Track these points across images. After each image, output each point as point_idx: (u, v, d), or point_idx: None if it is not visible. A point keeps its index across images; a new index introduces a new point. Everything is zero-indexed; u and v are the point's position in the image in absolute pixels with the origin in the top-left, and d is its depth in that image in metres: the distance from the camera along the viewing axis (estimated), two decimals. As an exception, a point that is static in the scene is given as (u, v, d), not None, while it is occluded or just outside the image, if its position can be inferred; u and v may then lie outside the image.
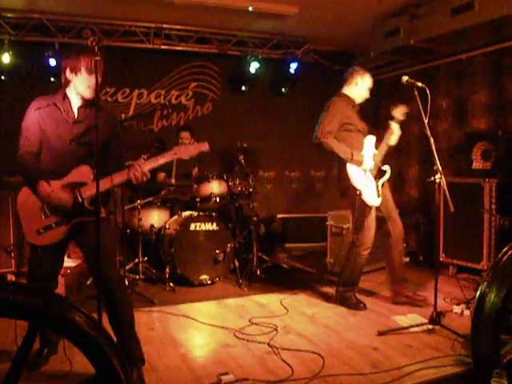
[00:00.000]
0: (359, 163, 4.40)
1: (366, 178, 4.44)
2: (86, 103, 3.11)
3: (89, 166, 3.04)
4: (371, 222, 4.47)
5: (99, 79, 2.89)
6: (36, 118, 3.08)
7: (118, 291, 3.15)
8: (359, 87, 4.65)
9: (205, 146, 3.22)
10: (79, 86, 3.05)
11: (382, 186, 4.51)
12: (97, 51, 2.78)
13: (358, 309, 4.51)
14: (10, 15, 5.78)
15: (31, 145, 3.11)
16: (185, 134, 6.09)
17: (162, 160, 3.12)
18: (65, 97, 3.11)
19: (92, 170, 3.02)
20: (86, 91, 3.05)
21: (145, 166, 3.05)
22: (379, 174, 4.52)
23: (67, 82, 3.08)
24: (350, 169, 4.38)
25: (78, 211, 3.00)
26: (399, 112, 4.46)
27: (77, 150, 3.07)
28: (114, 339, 2.97)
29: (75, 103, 3.12)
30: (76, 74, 3.03)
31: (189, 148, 3.18)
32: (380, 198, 4.45)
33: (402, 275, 4.66)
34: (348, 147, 4.39)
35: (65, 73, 3.07)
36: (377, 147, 4.51)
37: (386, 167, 4.51)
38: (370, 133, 4.57)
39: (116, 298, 3.12)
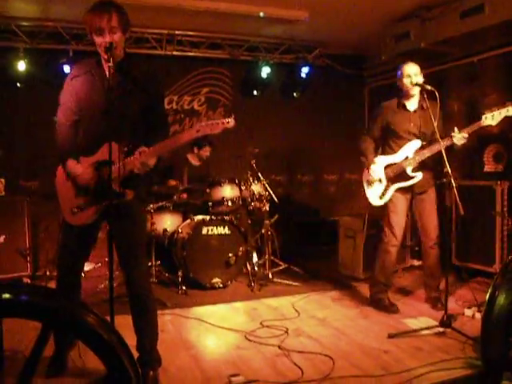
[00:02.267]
0: (366, 167, 4.59)
1: (377, 178, 4.54)
2: (120, 67, 2.94)
3: (116, 144, 2.85)
4: (394, 218, 4.53)
5: (116, 37, 2.82)
6: (72, 85, 3.02)
7: (144, 290, 3.15)
8: (399, 83, 4.50)
9: (229, 123, 2.91)
10: (100, 51, 2.92)
11: (406, 192, 4.50)
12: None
13: (391, 312, 4.52)
14: (24, 23, 5.89)
15: (65, 112, 3.05)
16: (207, 149, 6.17)
17: (184, 138, 2.91)
18: (99, 62, 3.00)
19: (120, 147, 2.90)
20: (102, 53, 2.89)
21: (152, 152, 2.90)
22: (401, 177, 4.45)
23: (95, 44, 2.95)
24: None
25: (107, 193, 2.82)
26: (458, 138, 4.17)
27: (107, 123, 2.82)
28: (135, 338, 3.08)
29: (108, 68, 2.90)
30: (92, 36, 2.91)
31: (212, 123, 2.89)
32: (382, 201, 4.54)
33: (434, 285, 4.65)
34: (370, 151, 4.59)
35: (89, 36, 2.96)
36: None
37: (417, 174, 4.40)
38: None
39: (141, 296, 3.13)
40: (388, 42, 6.04)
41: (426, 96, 4.13)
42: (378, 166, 4.54)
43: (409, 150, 4.43)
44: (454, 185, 3.79)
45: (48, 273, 5.66)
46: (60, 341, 3.18)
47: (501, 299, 2.90)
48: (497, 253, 5.18)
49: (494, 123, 4.05)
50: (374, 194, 4.60)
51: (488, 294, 2.95)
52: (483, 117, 4.06)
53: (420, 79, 4.30)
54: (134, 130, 3.02)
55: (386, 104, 4.63)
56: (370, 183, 4.63)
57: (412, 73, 4.32)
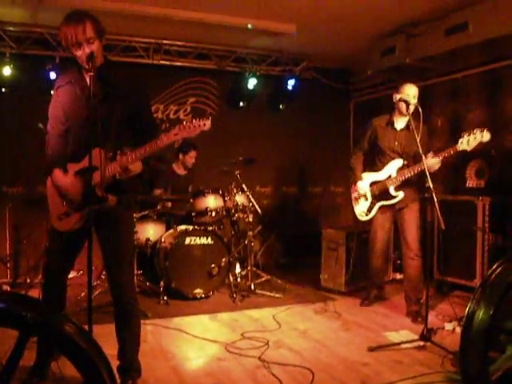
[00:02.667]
0: (354, 183, 4.87)
1: (362, 194, 4.80)
2: (101, 73, 2.93)
3: (101, 149, 2.83)
4: (375, 227, 4.87)
5: (94, 47, 2.83)
6: (57, 96, 3.06)
7: (129, 299, 3.13)
8: (395, 104, 4.62)
9: (206, 124, 2.99)
10: (81, 63, 2.93)
11: (389, 207, 4.71)
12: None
13: (362, 304, 5.13)
14: (11, 29, 5.85)
15: (53, 124, 3.08)
16: (193, 154, 6.16)
17: (163, 142, 2.90)
18: (80, 70, 3.01)
19: (104, 152, 2.87)
20: (82, 63, 2.91)
21: (133, 156, 2.89)
22: (385, 195, 4.67)
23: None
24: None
25: (91, 199, 2.84)
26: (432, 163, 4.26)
27: (92, 129, 2.82)
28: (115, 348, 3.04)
29: (88, 75, 2.93)
30: (70, 49, 2.92)
31: (190, 126, 2.93)
32: (368, 217, 4.80)
33: (415, 297, 4.70)
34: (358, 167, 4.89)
35: (66, 48, 2.97)
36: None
37: (398, 193, 4.60)
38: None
39: (126, 305, 3.11)
40: (374, 57, 6.10)
41: (409, 111, 4.19)
42: (364, 183, 4.80)
43: (392, 169, 4.64)
44: (435, 199, 3.83)
45: (28, 280, 5.60)
46: (42, 350, 3.15)
47: (480, 313, 2.92)
48: (477, 267, 5.23)
49: (468, 148, 4.14)
50: (361, 210, 4.86)
51: (467, 308, 2.97)
52: (459, 141, 4.15)
53: (415, 101, 4.39)
54: (118, 135, 3.01)
55: (376, 120, 4.82)
56: (356, 199, 4.89)
57: (411, 94, 4.41)
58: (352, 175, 4.92)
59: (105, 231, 3.02)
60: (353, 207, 4.97)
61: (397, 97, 4.48)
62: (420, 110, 4.01)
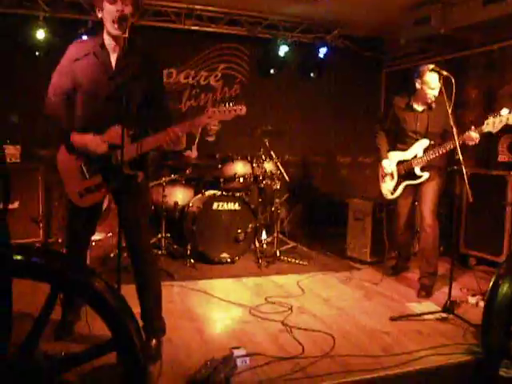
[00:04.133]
0: (380, 161, 4.88)
1: (389, 172, 4.80)
2: (126, 51, 2.89)
3: (124, 127, 2.80)
4: (399, 203, 4.90)
5: (128, 9, 2.79)
6: (72, 67, 2.95)
7: (147, 260, 3.21)
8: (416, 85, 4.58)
9: (242, 110, 3.05)
10: (107, 24, 2.88)
11: (413, 186, 4.70)
12: None
13: (386, 274, 5.18)
14: (46, -9, 5.91)
15: (58, 94, 3.02)
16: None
17: (196, 124, 3.01)
18: (103, 44, 2.96)
19: (127, 130, 2.88)
20: (112, 27, 2.85)
21: (177, 131, 2.95)
22: (411, 175, 4.66)
23: (102, 24, 2.93)
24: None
25: (117, 174, 2.89)
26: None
27: (113, 107, 2.85)
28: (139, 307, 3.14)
29: (113, 51, 2.96)
30: (102, 9, 2.85)
31: (224, 110, 3.00)
32: (393, 195, 4.83)
33: (425, 271, 4.67)
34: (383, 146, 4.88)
35: (97, 13, 2.92)
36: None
37: (424, 173, 4.57)
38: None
39: (145, 266, 3.19)
40: (407, 26, 5.96)
41: (441, 82, 4.12)
42: (391, 162, 4.80)
43: (419, 149, 4.60)
44: (464, 172, 3.79)
45: (60, 240, 5.78)
46: (67, 306, 3.28)
47: (504, 288, 2.93)
48: (505, 243, 5.17)
49: (494, 130, 4.06)
50: (387, 189, 4.89)
51: (491, 283, 2.98)
52: (485, 123, 4.07)
53: (436, 92, 4.38)
54: (138, 114, 3.04)
55: (397, 100, 4.80)
56: (383, 177, 4.91)
57: (433, 84, 4.37)
58: (378, 154, 4.94)
59: (123, 198, 3.03)
60: (379, 184, 4.99)
61: (420, 83, 4.46)
62: (453, 81, 3.94)
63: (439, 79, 4.29)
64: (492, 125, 4.02)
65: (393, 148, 4.85)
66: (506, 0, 4.83)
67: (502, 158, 5.54)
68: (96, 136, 2.96)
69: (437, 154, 4.42)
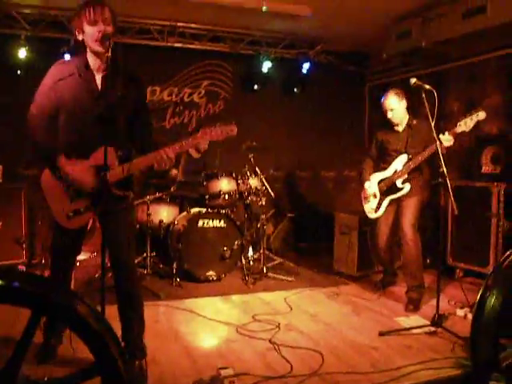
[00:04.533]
0: (362, 184, 4.95)
1: (371, 192, 4.86)
2: (111, 71, 2.90)
3: (112, 148, 2.85)
4: (378, 225, 4.92)
5: (109, 29, 2.81)
6: (55, 87, 2.92)
7: (131, 280, 3.18)
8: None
9: (233, 130, 3.08)
10: (89, 43, 2.87)
11: (394, 201, 4.74)
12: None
13: (373, 289, 5.19)
14: (26, 11, 5.89)
15: (42, 114, 2.97)
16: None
17: (187, 145, 2.99)
18: (87, 65, 2.94)
19: (115, 151, 2.89)
20: (94, 45, 2.85)
21: (170, 152, 2.93)
22: (392, 189, 4.70)
23: (84, 45, 2.92)
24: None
25: (105, 196, 2.85)
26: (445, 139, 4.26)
27: (99, 128, 2.81)
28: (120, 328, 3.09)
29: (98, 71, 2.95)
30: (83, 31, 2.87)
31: (216, 131, 3.02)
32: (377, 214, 4.85)
33: (410, 284, 4.67)
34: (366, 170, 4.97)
35: (76, 36, 2.92)
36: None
37: (405, 185, 4.62)
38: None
39: (128, 285, 3.15)
40: (389, 40, 6.02)
41: (424, 96, 4.15)
42: (372, 183, 4.86)
43: (398, 164, 4.68)
44: (449, 185, 3.80)
45: (43, 261, 5.68)
46: (49, 329, 3.21)
47: (491, 300, 2.91)
48: (491, 254, 5.19)
49: (467, 129, 4.19)
50: (370, 208, 4.92)
51: (479, 295, 2.96)
52: (457, 124, 4.20)
53: (398, 111, 4.61)
54: (124, 134, 3.03)
55: (379, 129, 4.98)
56: (366, 199, 4.95)
57: (388, 106, 4.61)
58: (361, 177, 5.02)
59: (108, 217, 2.97)
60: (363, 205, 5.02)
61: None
62: (436, 94, 3.97)
63: (398, 96, 4.56)
64: (464, 124, 4.16)
65: (377, 170, 4.90)
66: (485, 14, 4.89)
67: (486, 169, 5.58)
68: (84, 168, 2.93)
69: (416, 164, 4.49)
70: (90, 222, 3.14)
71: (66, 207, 3.00)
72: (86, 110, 2.91)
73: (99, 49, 2.86)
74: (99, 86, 2.95)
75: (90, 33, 2.84)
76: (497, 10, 4.79)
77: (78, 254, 3.34)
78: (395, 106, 4.58)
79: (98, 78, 2.96)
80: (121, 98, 2.88)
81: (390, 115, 4.63)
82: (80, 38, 2.91)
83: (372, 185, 4.85)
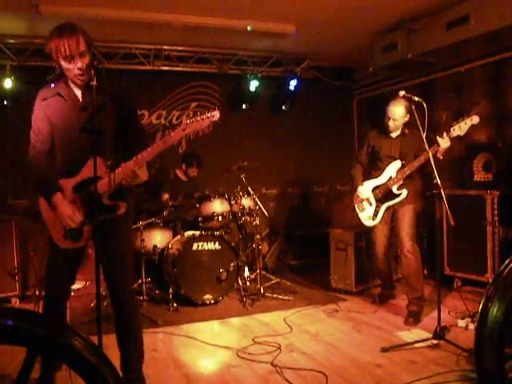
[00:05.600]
0: (354, 189, 4.90)
1: (365, 198, 4.82)
2: (91, 86, 2.78)
3: (100, 158, 2.80)
4: (375, 231, 4.89)
5: (85, 60, 2.76)
6: (43, 109, 2.93)
7: (130, 304, 3.11)
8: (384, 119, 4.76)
9: (215, 115, 2.89)
10: (69, 76, 2.85)
11: (389, 209, 4.73)
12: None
13: (373, 304, 5.15)
14: (11, 41, 5.87)
15: (43, 140, 2.97)
16: (195, 169, 6.16)
17: (172, 139, 2.86)
18: (67, 83, 2.92)
19: (104, 161, 2.84)
20: (75, 79, 2.84)
21: (154, 150, 2.84)
22: (389, 196, 4.67)
23: (62, 69, 2.86)
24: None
25: (99, 209, 2.81)
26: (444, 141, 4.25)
27: (87, 140, 2.78)
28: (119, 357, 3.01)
29: (77, 87, 2.92)
30: (59, 65, 2.81)
31: (197, 120, 2.86)
32: (375, 221, 4.80)
33: (410, 296, 4.63)
34: (357, 176, 4.94)
35: (53, 61, 2.84)
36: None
37: (402, 191, 4.60)
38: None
39: (127, 310, 3.08)
40: (375, 54, 6.05)
41: (413, 107, 4.14)
42: (366, 188, 4.81)
43: (392, 171, 4.66)
44: (443, 196, 3.79)
45: (37, 293, 5.57)
46: (46, 363, 3.12)
47: (494, 310, 2.87)
48: (488, 262, 5.18)
49: (461, 133, 4.19)
50: (367, 215, 4.85)
51: (481, 305, 2.92)
52: (451, 129, 4.19)
53: (398, 123, 4.58)
54: (113, 145, 2.99)
55: (371, 131, 4.97)
56: (360, 207, 4.90)
57: (394, 116, 4.56)
58: (352, 184, 4.99)
59: (106, 242, 2.93)
60: (357, 215, 4.95)
61: (385, 117, 4.66)
62: (425, 105, 3.97)
63: (405, 109, 4.47)
64: (459, 129, 4.15)
65: (368, 178, 4.87)
66: (468, 24, 4.93)
67: (478, 177, 5.58)
68: (73, 210, 2.90)
69: (412, 170, 4.48)
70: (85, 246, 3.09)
71: (62, 229, 2.95)
72: (73, 124, 2.91)
73: (80, 83, 2.86)
74: (80, 99, 2.94)
75: (68, 68, 2.81)
76: (480, 19, 4.82)
77: (73, 282, 3.23)
78: (398, 118, 4.55)
79: (79, 92, 2.94)
80: (103, 106, 2.84)
81: (390, 123, 4.60)
82: (57, 65, 2.85)
83: (365, 190, 4.80)
